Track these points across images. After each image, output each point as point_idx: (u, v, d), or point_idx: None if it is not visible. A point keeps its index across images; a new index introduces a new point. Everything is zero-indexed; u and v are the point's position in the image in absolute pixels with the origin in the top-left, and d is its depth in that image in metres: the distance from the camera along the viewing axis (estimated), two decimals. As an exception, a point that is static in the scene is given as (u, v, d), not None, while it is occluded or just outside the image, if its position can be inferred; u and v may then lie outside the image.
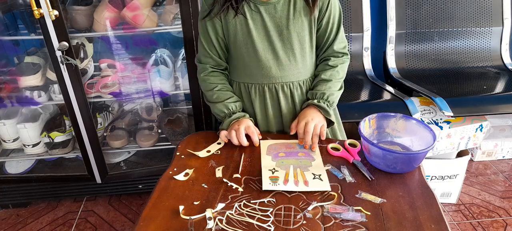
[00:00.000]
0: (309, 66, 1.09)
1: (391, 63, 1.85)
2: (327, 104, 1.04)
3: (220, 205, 0.79)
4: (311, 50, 1.07)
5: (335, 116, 1.13)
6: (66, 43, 1.31)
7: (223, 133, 1.04)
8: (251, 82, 1.08)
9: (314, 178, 0.88)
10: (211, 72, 1.08)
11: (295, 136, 1.06)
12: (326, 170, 0.90)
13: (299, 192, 0.83)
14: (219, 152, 1.00)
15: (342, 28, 1.07)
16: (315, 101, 1.04)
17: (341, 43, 1.07)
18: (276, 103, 1.10)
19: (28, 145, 1.62)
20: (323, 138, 1.03)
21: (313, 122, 1.01)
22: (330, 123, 1.07)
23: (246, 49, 1.03)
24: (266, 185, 0.85)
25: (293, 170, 0.90)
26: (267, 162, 0.94)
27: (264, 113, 1.11)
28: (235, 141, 1.01)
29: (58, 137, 1.61)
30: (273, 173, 0.89)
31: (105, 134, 1.71)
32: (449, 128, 1.51)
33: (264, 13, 0.99)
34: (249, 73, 1.07)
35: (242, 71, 1.08)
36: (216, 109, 1.08)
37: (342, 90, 1.10)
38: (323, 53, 1.09)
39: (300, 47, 1.04)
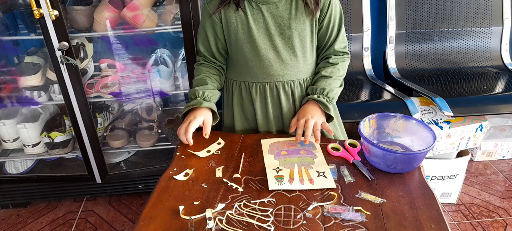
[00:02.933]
0: (310, 64, 1.09)
1: (391, 63, 1.85)
2: (326, 100, 1.04)
3: (220, 205, 0.79)
4: (311, 49, 1.07)
5: (335, 115, 1.13)
6: (66, 43, 1.31)
7: (180, 131, 1.00)
8: (252, 81, 1.08)
9: (318, 176, 0.88)
10: (202, 64, 1.11)
11: (294, 134, 1.05)
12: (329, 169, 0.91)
13: (303, 190, 0.83)
14: (219, 152, 1.00)
15: (343, 28, 1.07)
16: (315, 96, 1.05)
17: (342, 43, 1.08)
18: (277, 102, 1.10)
19: (28, 145, 1.62)
20: (331, 133, 1.03)
21: (313, 120, 1.00)
22: (329, 119, 1.07)
23: (247, 48, 1.03)
24: (272, 184, 0.85)
25: (297, 168, 0.90)
26: (270, 161, 0.94)
27: (265, 113, 1.11)
28: (182, 138, 1.00)
29: (58, 137, 1.61)
30: (278, 172, 0.89)
31: (105, 134, 1.71)
32: (449, 128, 1.51)
33: (265, 12, 0.99)
34: (250, 72, 1.07)
35: (244, 70, 1.08)
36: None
37: (342, 88, 1.10)
38: (324, 53, 1.10)
39: (301, 46, 1.04)
